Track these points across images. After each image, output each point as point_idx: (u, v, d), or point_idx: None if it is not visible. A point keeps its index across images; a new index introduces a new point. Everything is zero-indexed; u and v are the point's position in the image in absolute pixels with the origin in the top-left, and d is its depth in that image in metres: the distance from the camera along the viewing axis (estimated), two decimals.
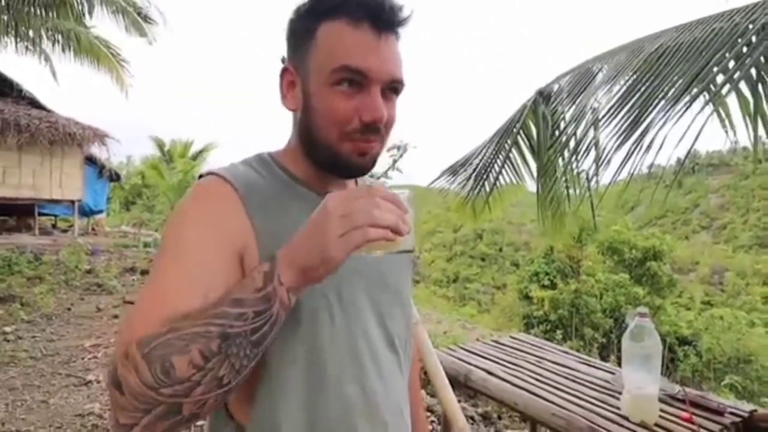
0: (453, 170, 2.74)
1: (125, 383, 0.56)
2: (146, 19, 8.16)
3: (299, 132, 0.76)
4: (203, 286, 0.63)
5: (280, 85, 0.75)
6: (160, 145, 18.22)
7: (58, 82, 9.42)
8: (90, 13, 7.45)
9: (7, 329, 4.98)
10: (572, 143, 1.96)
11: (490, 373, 1.83)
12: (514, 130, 2.49)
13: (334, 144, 0.70)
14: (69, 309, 5.95)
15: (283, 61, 0.78)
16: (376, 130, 0.70)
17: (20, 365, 4.18)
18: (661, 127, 1.49)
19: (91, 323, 5.51)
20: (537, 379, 1.77)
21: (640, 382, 1.53)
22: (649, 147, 1.49)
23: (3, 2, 7.53)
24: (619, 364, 1.78)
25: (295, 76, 0.73)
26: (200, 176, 0.76)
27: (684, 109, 1.49)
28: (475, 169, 2.67)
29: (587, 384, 1.75)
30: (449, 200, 2.94)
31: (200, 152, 17.03)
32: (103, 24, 7.91)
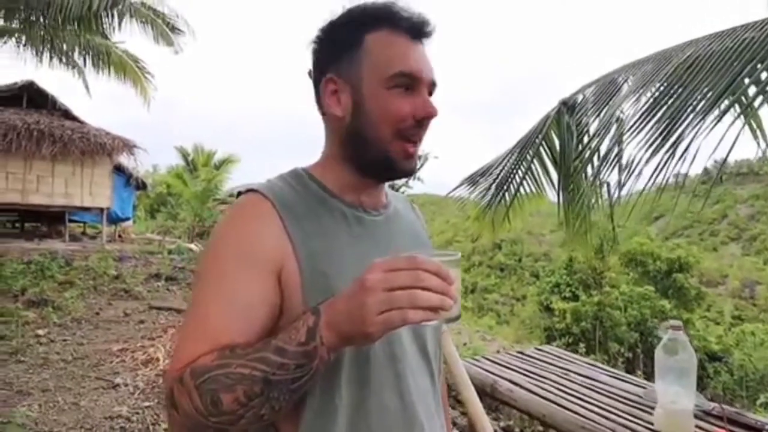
0: (473, 180, 2.74)
1: (180, 406, 0.64)
2: (173, 29, 8.44)
3: (345, 138, 0.77)
4: (244, 315, 0.68)
5: (320, 94, 0.77)
6: (185, 154, 18.64)
7: (90, 95, 9.81)
8: (119, 25, 7.73)
9: (41, 332, 5.14)
10: (599, 154, 1.95)
11: (516, 384, 1.82)
12: (537, 140, 2.48)
13: (387, 143, 0.75)
14: (97, 313, 6.11)
15: (309, 74, 0.82)
16: (426, 125, 0.76)
17: (52, 367, 4.31)
18: (693, 138, 1.48)
19: (119, 328, 5.65)
20: (565, 392, 1.75)
21: (674, 396, 1.50)
22: (682, 158, 1.48)
23: (41, 19, 7.92)
24: (646, 379, 1.75)
25: (340, 84, 0.75)
26: (239, 193, 0.81)
27: (716, 121, 1.48)
28: (495, 179, 2.67)
29: (617, 398, 1.73)
30: (467, 209, 2.93)
31: (223, 162, 17.36)
32: (132, 35, 8.21)
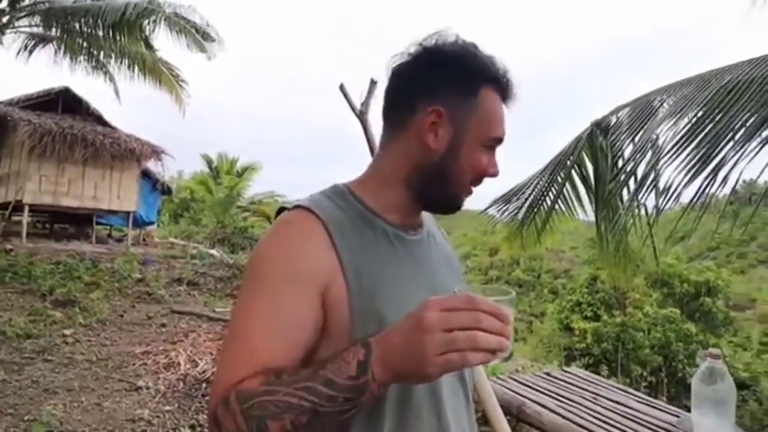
0: (506, 200, 2.74)
1: (224, 428, 0.65)
2: (205, 36, 8.71)
3: (423, 167, 0.78)
4: (289, 336, 0.68)
5: (418, 119, 0.76)
6: (209, 161, 19.05)
7: (120, 101, 10.16)
8: (153, 32, 8.01)
9: (67, 332, 5.27)
10: (635, 176, 1.93)
11: (544, 406, 1.79)
12: (568, 162, 2.47)
13: (463, 188, 0.81)
14: (121, 316, 6.24)
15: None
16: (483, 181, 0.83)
17: (78, 367, 4.41)
18: (735, 165, 1.46)
19: (141, 330, 5.75)
20: (594, 417, 1.72)
21: (712, 427, 1.45)
22: (723, 183, 1.46)
23: (77, 27, 8.25)
24: (670, 404, 1.70)
25: (445, 119, 0.75)
26: (281, 209, 0.80)
27: (759, 147, 1.46)
28: (527, 200, 2.66)
29: (649, 425, 1.68)
30: (484, 224, 2.92)
31: (245, 169, 17.67)
32: (166, 42, 8.49)
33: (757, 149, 1.45)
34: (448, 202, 0.82)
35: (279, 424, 0.62)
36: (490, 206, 2.80)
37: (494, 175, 0.81)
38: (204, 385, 4.19)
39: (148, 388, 4.07)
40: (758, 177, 1.50)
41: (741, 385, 12.00)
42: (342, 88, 3.63)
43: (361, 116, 3.56)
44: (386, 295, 0.72)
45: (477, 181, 0.81)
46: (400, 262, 0.78)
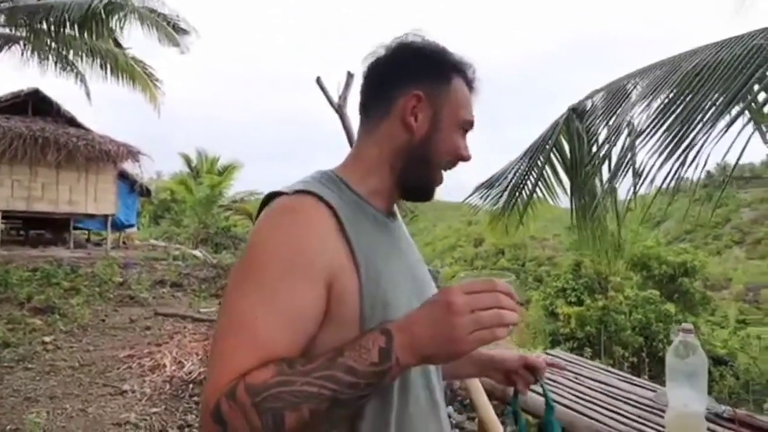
0: (488, 185, 2.77)
1: (231, 424, 0.62)
2: (178, 29, 8.49)
3: (403, 151, 0.82)
4: (295, 325, 0.68)
5: (400, 104, 0.80)
6: (188, 161, 18.73)
7: (91, 102, 9.89)
8: (121, 28, 7.77)
9: (47, 339, 5.16)
10: (610, 160, 1.96)
11: (524, 393, 1.82)
12: (547, 146, 2.50)
13: (437, 171, 0.85)
14: (103, 320, 6.13)
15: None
16: (457, 164, 0.88)
17: (60, 374, 4.32)
18: (704, 144, 1.49)
19: (125, 334, 5.66)
20: (578, 396, 1.76)
21: (686, 399, 1.50)
22: (693, 163, 1.50)
23: (44, 26, 7.99)
24: (652, 382, 1.76)
25: (424, 104, 0.81)
26: (274, 194, 0.76)
27: (726, 126, 1.50)
28: (508, 185, 2.69)
29: (629, 401, 1.73)
30: (468, 214, 2.95)
31: (226, 168, 17.43)
32: (136, 38, 8.24)
33: (726, 128, 1.49)
34: (425, 187, 0.86)
35: (297, 415, 0.61)
36: (473, 193, 2.82)
37: (468, 158, 0.86)
38: (191, 386, 4.15)
39: (133, 392, 4.02)
40: (736, 159, 1.53)
41: (719, 361, 12.39)
42: (319, 81, 3.60)
43: (339, 109, 3.54)
44: (387, 280, 0.74)
45: (452, 164, 0.86)
46: (390, 247, 0.81)
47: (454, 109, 0.83)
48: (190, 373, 4.37)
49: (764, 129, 1.61)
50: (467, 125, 0.85)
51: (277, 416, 0.61)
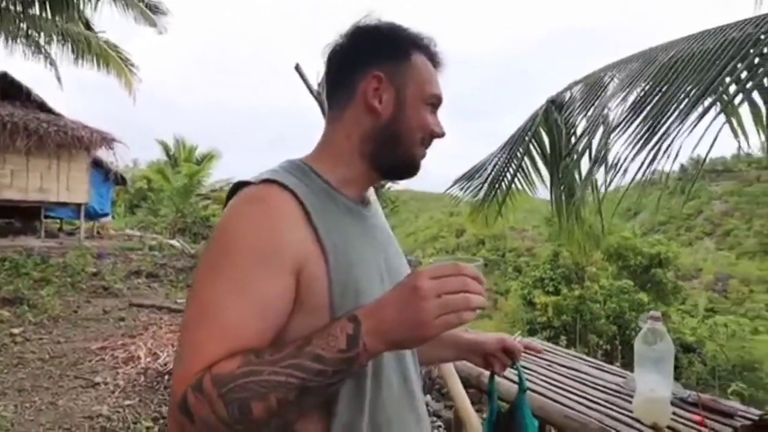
0: (468, 176, 2.77)
1: (197, 415, 0.62)
2: (154, 9, 8.24)
3: (372, 134, 0.81)
4: (264, 315, 0.67)
5: (361, 88, 0.80)
6: (166, 149, 18.31)
7: (62, 87, 9.54)
8: (95, 7, 7.47)
9: (15, 331, 5.01)
10: (589, 151, 1.98)
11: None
12: (526, 138, 2.52)
13: (415, 146, 0.83)
14: (75, 311, 5.98)
15: (297, 68, 0.85)
16: (432, 142, 0.86)
17: (29, 367, 4.20)
18: (676, 136, 1.52)
19: (98, 326, 5.54)
20: (549, 383, 1.79)
21: (653, 384, 1.54)
22: (666, 155, 1.52)
23: (11, 6, 7.64)
24: (624, 370, 1.80)
25: (385, 84, 0.80)
26: (241, 183, 0.76)
27: (698, 118, 1.52)
28: (488, 176, 2.70)
29: (599, 387, 1.77)
30: (450, 205, 2.97)
31: (205, 157, 17.11)
32: (112, 20, 7.97)
33: (698, 120, 1.52)
34: (404, 165, 0.84)
35: (264, 405, 0.60)
36: (453, 185, 2.83)
37: (441, 134, 0.85)
38: (166, 377, 4.08)
39: (106, 384, 3.93)
40: (706, 152, 1.56)
41: (688, 349, 12.84)
42: (298, 68, 3.53)
43: (319, 97, 3.48)
44: (358, 267, 0.74)
45: (426, 140, 0.84)
46: (362, 235, 0.80)
47: (418, 86, 0.82)
48: (165, 364, 4.30)
49: (734, 123, 1.65)
50: (434, 99, 0.84)
51: (243, 406, 0.60)
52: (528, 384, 1.83)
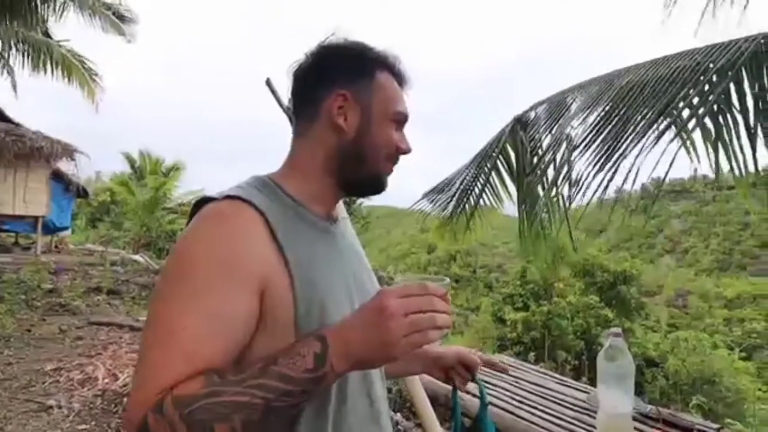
0: (437, 190, 2.81)
1: None
2: (122, 18, 8.10)
3: (338, 152, 0.81)
4: (225, 333, 0.65)
5: (326, 106, 0.80)
6: (131, 161, 17.79)
7: (17, 96, 9.17)
8: (60, 15, 7.28)
9: None
10: (551, 169, 2.04)
11: (469, 393, 1.85)
12: (494, 154, 2.58)
13: (380, 164, 0.84)
14: (29, 330, 5.66)
15: (268, 83, 0.83)
16: (399, 159, 0.87)
17: None
18: (636, 156, 1.59)
19: (53, 345, 5.25)
20: (516, 399, 1.80)
21: (615, 401, 1.56)
22: (625, 175, 1.58)
23: None
24: (591, 385, 1.83)
25: (350, 102, 0.81)
26: (205, 199, 0.75)
27: (655, 140, 1.60)
28: (456, 191, 2.74)
29: (564, 404, 1.79)
30: (423, 221, 3.00)
31: (170, 169, 16.69)
32: (75, 28, 7.78)
33: (655, 141, 1.59)
34: (370, 182, 0.85)
35: (227, 426, 0.59)
36: (421, 198, 2.86)
37: (407, 150, 0.86)
38: (125, 399, 3.90)
39: (60, 407, 3.71)
40: (665, 173, 1.63)
41: (651, 363, 13.19)
42: (269, 82, 3.53)
43: (289, 112, 3.48)
44: (324, 284, 0.73)
45: (392, 157, 0.85)
46: (329, 252, 0.80)
47: (383, 103, 0.82)
48: (124, 385, 4.10)
49: (688, 145, 1.73)
50: (399, 117, 0.84)
51: (206, 428, 0.58)
52: (495, 400, 1.85)
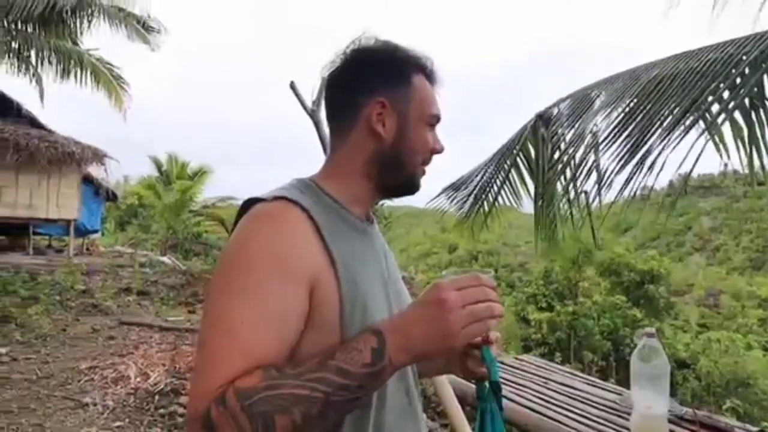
0: (452, 188, 2.80)
1: (219, 428, 0.62)
2: (147, 27, 8.33)
3: (376, 156, 0.83)
4: (280, 330, 0.67)
5: (365, 113, 0.81)
6: (158, 164, 18.24)
7: (43, 104, 9.47)
8: (88, 26, 7.51)
9: (2, 350, 4.90)
10: (572, 165, 2.02)
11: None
12: (514, 151, 2.56)
13: (417, 167, 0.86)
14: (64, 330, 5.87)
15: (292, 86, 0.85)
16: (432, 159, 0.89)
17: (15, 387, 4.10)
18: (660, 152, 1.55)
19: (87, 344, 5.43)
20: (545, 400, 1.78)
21: (650, 402, 1.54)
22: (650, 170, 1.55)
23: (5, 23, 7.66)
24: (619, 386, 1.80)
25: (388, 109, 0.82)
26: (252, 200, 0.77)
27: (682, 135, 1.56)
28: (474, 188, 2.73)
29: (595, 404, 1.77)
30: (444, 221, 2.98)
31: (197, 173, 17.04)
32: (103, 36, 8.02)
33: (680, 138, 1.56)
34: (406, 185, 0.87)
35: (288, 418, 0.61)
36: (440, 194, 2.84)
37: (441, 150, 0.88)
38: (157, 397, 4.00)
39: (95, 405, 3.84)
40: (690, 168, 1.60)
41: (682, 364, 12.82)
42: (293, 86, 3.57)
43: (313, 115, 3.52)
44: (365, 284, 0.76)
45: (427, 159, 0.87)
46: (367, 253, 0.83)
47: (419, 108, 0.84)
48: (155, 384, 4.21)
49: (717, 139, 1.69)
50: (434, 120, 0.86)
51: (267, 420, 0.60)
52: (524, 401, 1.84)
